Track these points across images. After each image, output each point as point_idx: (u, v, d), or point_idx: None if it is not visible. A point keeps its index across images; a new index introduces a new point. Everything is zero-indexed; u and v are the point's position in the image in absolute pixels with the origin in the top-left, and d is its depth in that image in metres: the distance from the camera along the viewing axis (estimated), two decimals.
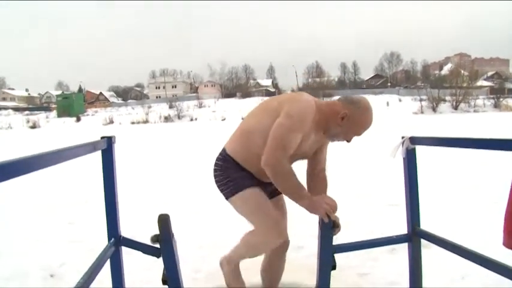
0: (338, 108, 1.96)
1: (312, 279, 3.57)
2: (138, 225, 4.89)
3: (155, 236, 1.79)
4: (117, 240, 1.73)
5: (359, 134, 2.02)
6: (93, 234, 4.14)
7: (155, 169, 10.49)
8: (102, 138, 1.64)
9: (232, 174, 2.03)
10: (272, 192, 2.16)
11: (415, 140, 1.80)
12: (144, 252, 1.78)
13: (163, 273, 1.83)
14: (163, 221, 1.79)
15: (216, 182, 2.11)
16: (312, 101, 1.96)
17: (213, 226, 4.31)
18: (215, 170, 2.11)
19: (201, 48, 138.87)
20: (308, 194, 1.88)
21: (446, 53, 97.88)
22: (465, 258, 1.62)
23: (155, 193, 7.31)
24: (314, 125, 1.93)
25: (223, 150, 2.13)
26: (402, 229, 4.87)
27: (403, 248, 4.04)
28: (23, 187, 7.61)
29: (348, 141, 2.05)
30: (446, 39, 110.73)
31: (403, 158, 1.89)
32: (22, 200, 6.73)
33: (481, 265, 1.50)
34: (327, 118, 1.96)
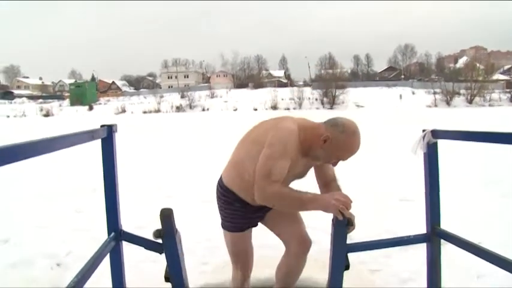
0: (321, 131, 1.92)
1: (322, 276, 3.50)
2: (145, 217, 4.85)
3: (157, 231, 1.71)
4: (117, 235, 1.65)
5: (343, 158, 1.95)
6: (100, 223, 4.07)
7: (166, 159, 10.47)
8: (102, 126, 1.54)
9: (229, 210, 2.14)
10: (271, 216, 2.23)
11: (437, 134, 1.68)
12: (146, 247, 1.70)
13: (166, 270, 1.74)
14: (166, 215, 1.71)
15: (219, 207, 2.23)
16: (294, 125, 1.94)
17: None
18: (216, 195, 2.21)
19: (213, 38, 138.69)
20: (312, 195, 1.81)
21: (462, 45, 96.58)
22: (489, 261, 1.51)
23: (165, 183, 7.26)
24: (300, 149, 1.92)
25: (220, 179, 2.19)
26: (415, 226, 4.75)
27: (416, 245, 3.96)
28: (30, 175, 7.62)
29: (333, 165, 2.00)
30: (462, 32, 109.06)
31: (424, 153, 1.76)
32: (29, 188, 6.73)
33: (507, 270, 1.38)
34: (310, 141, 1.93)
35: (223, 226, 2.21)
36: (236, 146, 2.16)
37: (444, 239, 1.74)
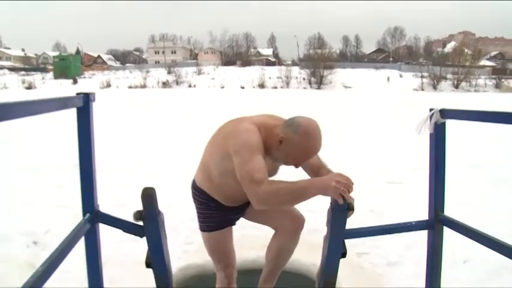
0: (277, 131, 1.80)
1: (309, 258, 3.42)
2: (126, 194, 4.71)
3: (138, 212, 1.55)
4: (93, 216, 1.49)
5: (301, 160, 1.82)
6: None
7: (150, 135, 10.29)
8: (78, 94, 1.37)
9: (204, 209, 2.09)
10: (252, 209, 2.12)
11: (446, 114, 1.54)
12: (125, 230, 1.54)
13: (147, 255, 1.60)
14: (148, 195, 1.56)
15: (195, 208, 2.17)
16: (252, 126, 1.82)
17: None
18: (192, 197, 2.16)
19: (202, 14, 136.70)
20: (307, 180, 1.69)
21: (451, 30, 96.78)
22: (495, 250, 1.40)
23: (149, 160, 7.12)
24: (264, 148, 1.80)
25: (194, 179, 2.15)
26: (404, 208, 4.69)
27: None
28: (9, 149, 7.39)
29: (296, 167, 1.85)
30: (452, 17, 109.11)
31: (430, 134, 1.63)
32: (8, 163, 6.51)
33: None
34: (269, 141, 1.81)
35: (201, 228, 2.15)
36: (205, 147, 2.09)
37: (448, 226, 1.62)
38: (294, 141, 1.74)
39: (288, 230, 2.14)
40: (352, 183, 1.52)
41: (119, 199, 4.19)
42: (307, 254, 3.49)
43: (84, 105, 1.37)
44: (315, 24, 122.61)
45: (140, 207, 1.54)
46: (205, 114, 15.56)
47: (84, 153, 1.44)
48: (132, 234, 1.54)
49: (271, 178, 1.81)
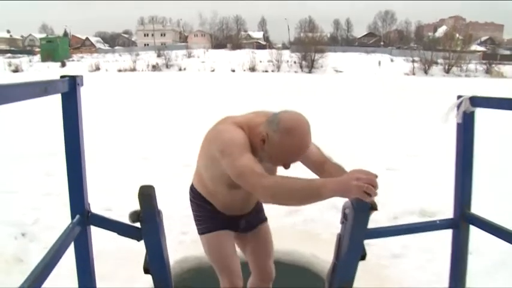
0: (261, 128, 1.61)
1: (309, 248, 3.31)
2: (118, 181, 4.57)
3: (135, 213, 1.37)
4: (83, 218, 1.30)
5: (286, 161, 1.60)
6: None
7: (141, 119, 10.08)
8: (62, 77, 1.16)
9: (201, 212, 2.00)
10: (247, 226, 2.06)
11: (476, 101, 1.40)
12: (120, 233, 1.36)
13: (145, 259, 1.44)
14: (146, 195, 1.37)
15: (192, 212, 2.07)
16: (233, 126, 1.67)
17: None
18: (190, 200, 2.06)
19: None
20: (324, 181, 1.43)
21: (442, 15, 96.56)
22: None
23: (141, 144, 6.95)
24: (250, 147, 1.63)
25: (192, 183, 2.06)
26: (403, 196, 4.56)
27: (410, 220, 3.80)
28: None
29: (285, 168, 1.63)
30: (442, 1, 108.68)
31: (458, 124, 1.48)
32: None
33: None
34: (254, 141, 1.63)
35: (199, 231, 2.03)
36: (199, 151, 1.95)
37: (475, 225, 1.48)
38: (275, 140, 1.54)
39: (256, 283, 2.16)
40: (376, 176, 1.29)
41: (110, 185, 4.04)
42: (304, 243, 3.39)
43: (70, 91, 1.18)
44: (305, 7, 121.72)
45: (134, 204, 1.37)
46: (197, 98, 15.34)
47: (71, 146, 1.25)
48: (128, 237, 1.37)
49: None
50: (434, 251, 3.05)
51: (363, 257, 1.48)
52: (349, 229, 1.41)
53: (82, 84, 1.25)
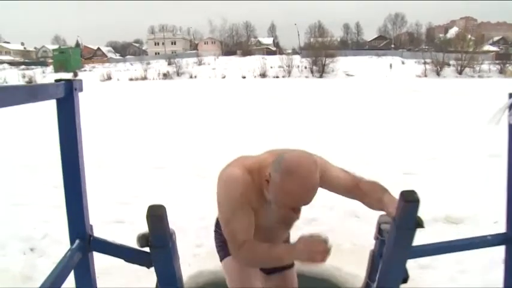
0: (268, 169, 1.50)
1: (331, 258, 3.16)
2: (131, 191, 4.46)
3: (143, 236, 1.20)
4: (84, 243, 1.12)
5: (288, 204, 1.46)
6: None
7: (155, 129, 10.02)
8: (57, 81, 1.01)
9: (222, 239, 1.86)
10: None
11: None
12: (128, 260, 1.20)
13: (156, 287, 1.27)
14: (156, 216, 1.18)
15: (215, 242, 1.99)
16: (238, 171, 1.57)
17: None
18: (214, 231, 1.99)
19: (201, 4, 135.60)
20: (284, 248, 1.58)
21: (452, 16, 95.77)
22: None
23: (154, 154, 6.86)
24: (257, 194, 1.56)
25: (217, 217, 1.97)
26: (427, 204, 4.40)
27: (433, 229, 3.62)
28: (2, 146, 7.11)
29: (295, 212, 1.51)
30: (453, 2, 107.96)
31: (509, 126, 1.33)
32: (1, 161, 6.23)
33: None
34: (262, 182, 1.53)
35: (221, 257, 1.92)
36: None
37: None
38: (276, 181, 1.42)
39: None
40: (328, 248, 1.38)
41: (121, 197, 3.94)
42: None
43: (66, 96, 1.03)
44: (315, 12, 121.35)
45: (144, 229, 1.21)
46: (208, 105, 15.27)
47: (68, 159, 1.09)
48: (137, 264, 1.22)
49: (284, 229, 1.80)
50: (465, 262, 2.87)
51: (405, 280, 1.34)
52: (390, 248, 1.24)
53: (81, 90, 1.12)
